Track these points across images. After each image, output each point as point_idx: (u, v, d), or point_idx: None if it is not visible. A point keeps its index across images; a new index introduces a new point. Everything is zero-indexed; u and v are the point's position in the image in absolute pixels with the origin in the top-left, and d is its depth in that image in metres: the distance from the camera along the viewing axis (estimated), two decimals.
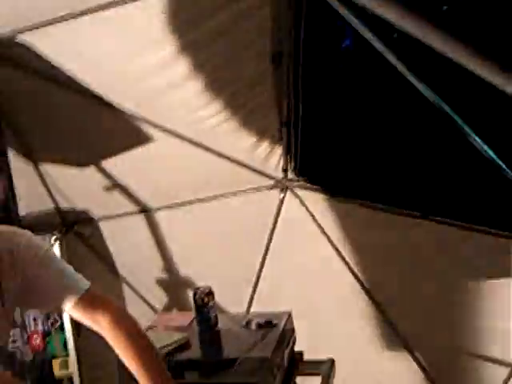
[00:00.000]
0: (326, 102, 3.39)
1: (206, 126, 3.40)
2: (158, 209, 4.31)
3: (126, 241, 4.53)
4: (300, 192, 3.78)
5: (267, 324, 2.36)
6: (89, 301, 1.81)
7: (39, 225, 4.15)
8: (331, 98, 3.36)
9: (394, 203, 3.45)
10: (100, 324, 1.80)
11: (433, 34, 1.24)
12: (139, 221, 4.39)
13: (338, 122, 3.40)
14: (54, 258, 1.86)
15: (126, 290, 4.75)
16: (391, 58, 2.42)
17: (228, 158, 3.67)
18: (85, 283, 1.84)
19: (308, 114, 3.34)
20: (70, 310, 1.81)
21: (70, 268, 1.86)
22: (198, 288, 2.41)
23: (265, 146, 3.52)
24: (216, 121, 3.34)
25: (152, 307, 4.56)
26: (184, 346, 2.27)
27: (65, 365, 4.25)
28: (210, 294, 2.38)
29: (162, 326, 2.46)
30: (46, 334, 4.20)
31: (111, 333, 1.79)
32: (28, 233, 1.80)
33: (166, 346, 2.20)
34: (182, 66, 2.98)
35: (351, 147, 3.42)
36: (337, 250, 3.75)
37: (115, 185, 4.14)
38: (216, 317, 2.40)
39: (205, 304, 2.37)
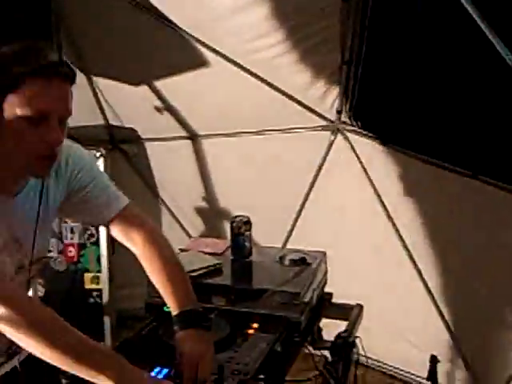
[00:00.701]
0: (391, 46, 3.24)
1: (264, 56, 3.33)
2: (206, 137, 4.29)
3: (169, 165, 4.55)
4: (351, 136, 3.70)
5: (301, 261, 2.32)
6: (126, 218, 1.81)
7: (87, 139, 4.17)
8: (396, 42, 3.21)
9: (445, 159, 3.34)
10: (134, 241, 1.80)
11: None
12: (185, 146, 4.38)
13: (399, 69, 3.25)
14: (99, 172, 1.85)
15: (164, 213, 4.79)
16: (468, 5, 2.29)
17: (282, 93, 3.59)
18: (125, 200, 1.83)
19: (370, 56, 3.22)
20: (107, 225, 1.81)
21: (113, 184, 1.85)
22: (237, 216, 2.38)
23: (321, 84, 3.42)
24: (275, 52, 3.26)
25: (188, 234, 4.60)
26: (215, 271, 2.25)
27: (96, 280, 4.32)
28: (248, 223, 2.36)
29: (195, 250, 2.45)
30: (81, 247, 4.26)
31: (143, 251, 1.79)
32: (77, 145, 1.79)
33: (197, 270, 2.19)
34: None
35: (410, 96, 3.28)
36: (379, 198, 3.68)
37: (166, 107, 4.12)
38: (251, 247, 2.38)
39: (241, 233, 2.35)
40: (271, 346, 1.83)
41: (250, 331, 1.91)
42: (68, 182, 1.74)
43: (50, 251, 4.14)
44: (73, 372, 1.41)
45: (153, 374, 1.58)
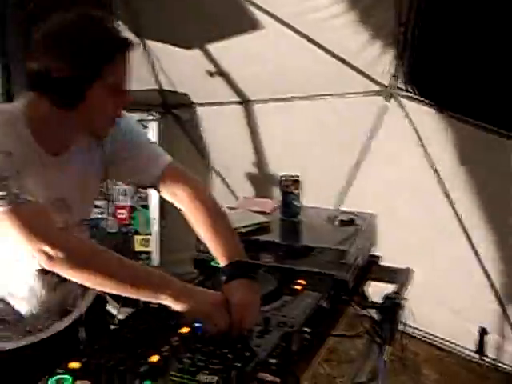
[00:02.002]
0: (449, 7, 3.12)
1: (317, 17, 3.28)
2: (257, 101, 4.27)
3: (220, 130, 4.56)
4: (405, 102, 3.62)
5: (350, 222, 2.31)
6: (170, 176, 1.83)
7: (140, 104, 4.21)
8: (455, 2, 3.09)
9: (503, 126, 3.25)
10: (179, 197, 1.83)
11: None
12: (236, 111, 4.38)
13: (457, 31, 3.13)
14: (141, 132, 1.89)
15: (214, 178, 4.82)
16: None
17: (335, 56, 3.54)
18: (168, 157, 1.86)
19: (427, 18, 3.12)
20: (153, 185, 1.84)
21: (154, 143, 1.91)
22: (286, 175, 2.37)
23: (376, 47, 3.35)
24: (329, 13, 3.20)
25: (237, 199, 4.61)
26: (264, 229, 2.25)
27: (146, 242, 4.39)
28: (297, 182, 2.35)
29: (244, 208, 2.45)
30: (132, 210, 4.32)
31: (190, 205, 1.81)
32: None
33: (245, 226, 2.20)
34: None
35: (467, 61, 3.17)
36: (433, 166, 3.62)
37: (218, 71, 4.11)
38: (299, 206, 2.37)
39: (290, 191, 2.34)
40: (317, 302, 1.83)
41: (297, 287, 1.91)
42: (111, 141, 1.77)
43: (101, 213, 4.21)
44: (135, 297, 1.54)
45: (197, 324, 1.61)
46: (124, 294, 1.52)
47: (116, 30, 1.57)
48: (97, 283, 1.52)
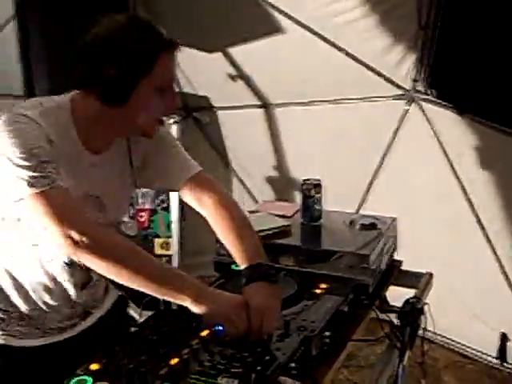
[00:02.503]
0: (469, 11, 3.09)
1: (339, 21, 3.28)
2: (278, 105, 4.28)
3: (241, 133, 4.57)
4: (426, 106, 3.61)
5: (371, 226, 2.30)
6: (198, 182, 1.86)
7: None
8: (475, 6, 3.06)
9: None
10: (205, 204, 1.85)
11: None
12: (257, 115, 4.39)
13: (478, 35, 3.10)
14: (174, 138, 1.93)
15: (234, 182, 4.82)
16: None
17: (357, 61, 3.53)
18: (197, 167, 1.89)
19: (448, 22, 3.10)
20: (180, 189, 1.87)
21: (184, 151, 1.92)
22: (308, 179, 2.37)
23: (397, 51, 3.35)
24: (351, 17, 3.20)
25: (257, 202, 4.61)
26: (284, 232, 2.25)
27: (166, 245, 4.39)
28: (318, 186, 2.34)
29: (265, 212, 2.45)
30: (152, 213, 4.33)
31: (214, 212, 1.83)
32: None
33: (266, 230, 2.20)
34: None
35: (488, 65, 3.14)
36: (453, 169, 3.60)
37: (239, 75, 4.12)
38: (320, 211, 2.37)
39: (311, 195, 2.33)
40: (338, 307, 1.82)
41: (318, 291, 1.91)
42: (145, 146, 1.81)
43: None
44: (156, 294, 1.54)
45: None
46: (144, 290, 1.52)
47: (161, 32, 1.60)
48: (118, 274, 1.50)
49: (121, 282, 1.52)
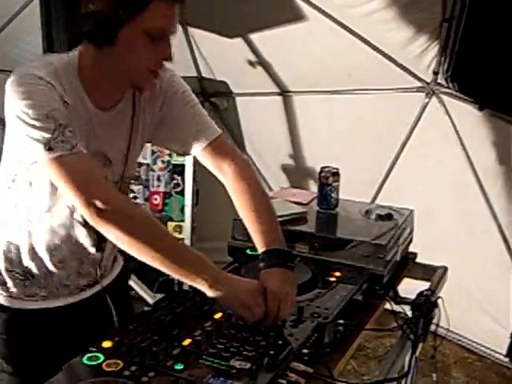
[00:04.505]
0: (497, 4, 3.04)
1: (361, 11, 3.24)
2: (297, 93, 4.26)
3: (258, 120, 4.56)
4: (446, 99, 3.58)
5: (387, 217, 2.28)
6: (218, 148, 1.81)
7: None
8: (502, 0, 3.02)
9: None
10: (225, 173, 1.81)
11: None
12: (275, 102, 4.37)
13: (502, 29, 3.05)
14: (193, 99, 1.84)
15: None
16: None
17: (378, 51, 3.50)
18: (217, 130, 1.84)
19: (473, 14, 3.05)
20: (198, 154, 1.82)
21: (206, 113, 1.85)
22: (326, 166, 2.35)
23: (419, 43, 3.31)
24: (373, 7, 3.16)
25: (271, 190, 4.61)
26: (300, 219, 2.24)
27: (179, 229, 4.38)
28: (336, 174, 2.32)
29: (281, 198, 2.44)
30: (166, 196, 4.33)
31: (234, 184, 1.80)
32: (172, 70, 1.80)
33: (282, 216, 2.18)
34: None
35: (509, 61, 3.10)
36: (471, 164, 3.58)
37: (259, 61, 4.10)
38: (337, 199, 2.35)
39: (329, 183, 2.32)
40: (352, 295, 1.81)
41: (332, 279, 1.90)
42: (162, 103, 1.78)
43: (135, 197, 4.24)
44: (171, 274, 1.51)
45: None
46: (159, 267, 1.49)
47: None
48: (135, 246, 1.48)
49: (137, 254, 1.49)
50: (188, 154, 1.86)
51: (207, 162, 1.82)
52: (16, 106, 1.47)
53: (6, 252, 1.74)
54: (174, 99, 1.78)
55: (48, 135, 1.45)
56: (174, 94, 1.78)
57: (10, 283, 1.76)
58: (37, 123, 1.45)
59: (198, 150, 1.81)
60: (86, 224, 1.68)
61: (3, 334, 1.75)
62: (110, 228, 1.47)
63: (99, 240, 1.76)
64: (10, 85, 1.49)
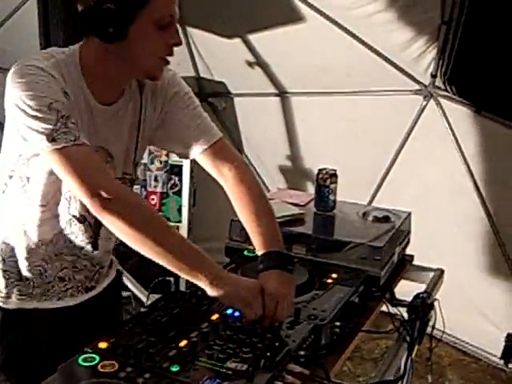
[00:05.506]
0: (494, 7, 3.04)
1: (360, 13, 3.24)
2: (295, 94, 4.25)
3: (256, 121, 4.55)
4: (444, 102, 3.59)
5: (384, 219, 2.29)
6: (218, 151, 1.81)
7: None
8: (503, 2, 3.02)
9: None
10: (225, 177, 1.81)
11: None
12: (273, 103, 4.37)
13: (501, 33, 3.06)
14: (195, 101, 1.84)
15: None
16: None
17: (376, 53, 3.50)
18: (218, 133, 1.83)
19: (471, 17, 3.05)
20: (198, 157, 1.82)
21: (207, 116, 1.85)
22: (324, 168, 2.35)
23: (417, 45, 3.30)
24: (372, 9, 3.16)
25: (269, 191, 4.60)
26: (297, 220, 2.25)
27: (175, 229, 4.37)
28: (334, 176, 2.33)
29: (279, 199, 2.44)
30: (163, 196, 4.32)
31: (233, 187, 1.80)
32: (174, 70, 1.80)
33: (279, 217, 2.17)
34: None
35: (508, 64, 3.10)
36: (468, 167, 3.58)
37: (257, 62, 4.10)
38: (335, 201, 2.35)
39: (326, 185, 2.32)
40: (349, 297, 1.81)
41: (328, 281, 1.90)
42: (163, 103, 1.77)
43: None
44: (172, 268, 1.51)
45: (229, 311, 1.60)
46: (160, 261, 1.49)
47: None
48: (138, 239, 1.47)
49: (139, 247, 1.48)
50: (187, 158, 1.85)
51: (207, 164, 1.82)
52: (17, 97, 1.46)
53: (0, 252, 1.74)
54: (175, 100, 1.77)
55: (50, 126, 1.45)
56: (176, 94, 1.78)
57: (3, 283, 1.75)
58: (39, 114, 1.44)
59: (198, 152, 1.80)
60: (81, 219, 1.68)
61: None
62: (114, 219, 1.46)
63: (95, 236, 1.75)
64: (11, 76, 1.49)
